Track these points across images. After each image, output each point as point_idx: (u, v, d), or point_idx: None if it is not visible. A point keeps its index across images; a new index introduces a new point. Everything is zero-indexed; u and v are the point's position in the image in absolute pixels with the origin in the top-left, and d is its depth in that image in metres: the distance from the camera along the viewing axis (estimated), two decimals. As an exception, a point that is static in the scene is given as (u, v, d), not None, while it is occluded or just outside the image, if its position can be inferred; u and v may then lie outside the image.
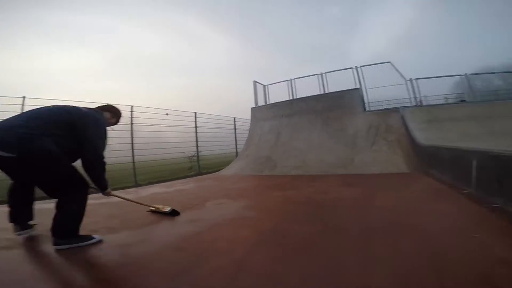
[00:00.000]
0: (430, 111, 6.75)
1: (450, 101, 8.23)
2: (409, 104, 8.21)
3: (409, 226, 1.85)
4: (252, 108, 9.46)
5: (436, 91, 9.61)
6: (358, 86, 8.60)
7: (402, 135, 6.21)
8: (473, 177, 2.60)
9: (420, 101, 7.89)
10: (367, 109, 8.46)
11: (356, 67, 9.59)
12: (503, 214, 1.90)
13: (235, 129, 10.50)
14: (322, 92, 9.39)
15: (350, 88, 8.33)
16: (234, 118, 10.63)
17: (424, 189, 3.25)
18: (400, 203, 2.62)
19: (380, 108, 8.20)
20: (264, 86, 10.66)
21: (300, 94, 9.94)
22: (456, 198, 2.62)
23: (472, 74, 9.11)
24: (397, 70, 9.00)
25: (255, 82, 10.25)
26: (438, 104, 7.55)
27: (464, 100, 7.71)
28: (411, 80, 8.85)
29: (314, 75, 10.23)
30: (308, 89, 10.19)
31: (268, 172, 6.57)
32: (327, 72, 10.16)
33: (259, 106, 9.45)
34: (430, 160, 4.40)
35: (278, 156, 7.08)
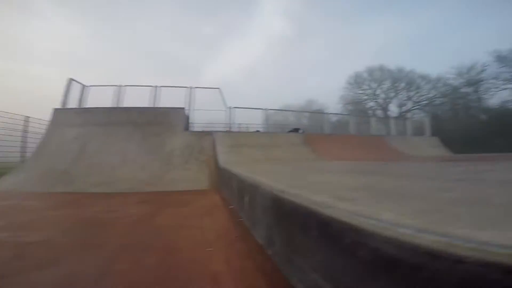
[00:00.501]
0: (235, 137, 8.30)
1: (251, 130, 10.49)
2: (223, 129, 9.74)
3: (166, 241, 2.06)
4: (55, 109, 7.63)
5: (251, 120, 12.06)
6: (184, 106, 9.20)
7: (211, 156, 7.17)
8: (234, 194, 3.24)
9: (230, 127, 9.52)
10: (191, 129, 9.18)
11: (190, 87, 10.27)
12: (241, 226, 2.38)
13: (26, 132, 7.99)
14: (151, 106, 9.21)
15: (177, 106, 8.70)
16: (28, 117, 8.11)
17: (206, 204, 3.76)
18: (176, 218, 2.89)
19: (202, 129, 9.19)
20: (84, 86, 9.01)
21: (127, 104, 9.21)
22: (222, 212, 3.13)
23: (271, 109, 12.25)
24: (222, 97, 10.51)
25: (70, 80, 8.45)
26: (240, 132, 9.42)
27: (258, 131, 10.10)
28: (230, 108, 10.62)
29: (148, 86, 9.92)
30: (139, 100, 9.69)
31: (61, 188, 5.43)
32: (162, 86, 10.19)
33: (66, 109, 7.79)
34: (222, 179, 5.34)
35: (79, 170, 6.05)
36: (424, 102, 26.53)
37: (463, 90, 24.03)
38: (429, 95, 26.38)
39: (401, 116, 24.04)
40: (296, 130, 10.79)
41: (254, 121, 11.69)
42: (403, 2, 40.63)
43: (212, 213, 3.13)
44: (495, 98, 22.11)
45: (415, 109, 26.96)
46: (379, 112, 28.34)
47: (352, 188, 1.48)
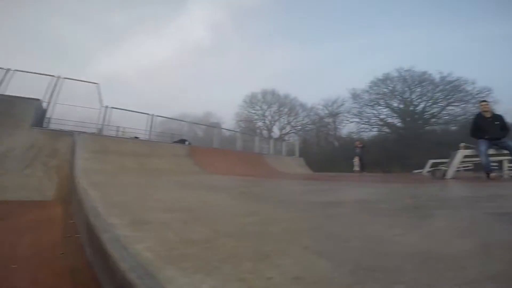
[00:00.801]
0: (103, 142, 7.23)
1: (129, 136, 9.47)
2: (93, 130, 8.34)
3: None
4: None
5: (137, 125, 10.76)
6: (44, 97, 7.34)
7: (65, 161, 5.92)
8: (75, 207, 2.78)
9: (99, 130, 8.30)
10: (46, 125, 7.35)
11: (58, 77, 8.26)
12: (76, 243, 2.04)
13: None
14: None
15: (29, 96, 6.81)
16: None
17: (38, 218, 3.10)
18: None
19: (65, 128, 7.52)
20: None
21: None
22: (57, 227, 2.60)
23: (158, 116, 11.42)
24: (99, 94, 9.00)
25: None
26: (113, 136, 8.35)
27: (137, 137, 9.25)
28: (107, 107, 9.20)
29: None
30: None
31: None
32: (16, 70, 7.72)
33: None
34: (73, 189, 4.46)
35: None
36: (298, 127, 32.09)
37: (326, 120, 30.73)
38: (303, 121, 32.15)
39: (280, 138, 28.04)
40: (182, 141, 10.56)
41: (138, 126, 10.60)
42: (303, 34, 48.58)
43: (40, 227, 2.65)
44: (346, 128, 29.42)
45: (291, 132, 32.14)
46: (265, 132, 32.01)
47: (178, 209, 1.54)
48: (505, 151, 4.90)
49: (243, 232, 1.02)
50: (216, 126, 15.41)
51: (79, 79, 8.86)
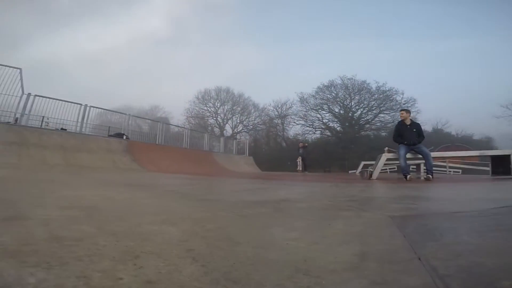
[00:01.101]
0: (21, 133, 6.13)
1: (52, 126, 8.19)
2: (9, 120, 6.97)
3: None
4: None
5: (68, 116, 9.22)
6: None
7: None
8: None
9: (17, 119, 7.01)
10: None
11: None
12: None
13: None
14: None
15: None
16: None
17: None
18: None
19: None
20: None
21: None
22: None
23: (92, 106, 10.09)
24: (21, 80, 7.51)
25: None
26: (34, 127, 7.16)
27: (65, 129, 8.11)
28: (29, 94, 7.76)
29: None
30: None
31: None
32: None
33: None
34: None
35: None
36: (250, 127, 32.50)
37: (276, 121, 31.76)
38: (255, 121, 32.66)
39: (232, 136, 28.00)
40: (120, 135, 9.61)
41: (68, 117, 9.18)
42: (261, 37, 49.00)
43: None
44: (292, 130, 30.84)
45: (243, 131, 32.39)
46: (217, 130, 31.55)
47: (76, 207, 1.31)
48: (420, 156, 5.68)
49: (131, 232, 0.90)
50: (161, 121, 14.48)
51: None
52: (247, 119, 32.83)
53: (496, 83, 38.15)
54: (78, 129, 8.82)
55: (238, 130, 32.48)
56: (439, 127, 28.85)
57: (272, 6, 47.76)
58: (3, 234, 0.80)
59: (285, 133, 31.41)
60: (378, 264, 0.63)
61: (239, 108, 32.83)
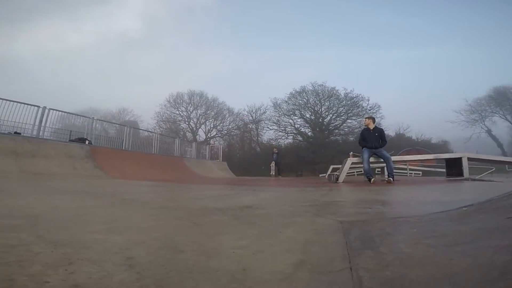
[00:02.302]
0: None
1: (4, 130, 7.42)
2: None
3: None
4: None
5: (24, 119, 8.33)
6: None
7: None
8: None
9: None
10: None
11: None
12: None
13: None
14: None
15: None
16: None
17: None
18: None
19: None
20: None
21: None
22: None
23: (51, 109, 9.29)
24: None
25: None
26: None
27: (19, 133, 7.41)
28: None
29: None
30: None
31: None
32: None
33: None
34: None
35: None
36: (224, 131, 32.26)
37: (250, 126, 31.87)
38: (229, 126, 32.48)
39: (205, 141, 27.58)
40: (82, 139, 8.99)
41: (24, 120, 8.33)
42: (236, 41, 49.03)
43: None
44: (266, 135, 31.14)
45: (217, 136, 32.05)
46: (189, 135, 30.87)
47: (18, 216, 1.19)
48: (381, 159, 6.05)
49: (72, 240, 0.86)
50: (129, 125, 13.81)
51: None
52: (221, 124, 32.59)
53: (451, 90, 42.40)
54: (35, 133, 8.07)
55: (212, 135, 32.09)
56: (401, 132, 31.04)
57: (248, 11, 48.47)
58: None
59: (259, 138, 31.67)
60: (310, 274, 0.65)
61: (213, 113, 32.50)
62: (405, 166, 14.16)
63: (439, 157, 7.95)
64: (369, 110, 28.19)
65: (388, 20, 42.97)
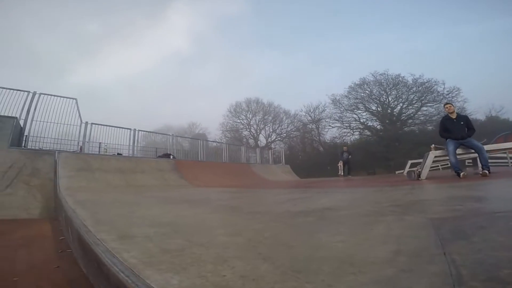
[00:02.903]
0: (86, 160, 7.15)
1: (110, 152, 9.32)
2: (74, 147, 8.19)
3: None
4: None
5: (117, 141, 10.53)
6: (19, 114, 7.17)
7: (48, 179, 5.83)
8: (63, 224, 2.92)
9: (81, 147, 8.17)
10: (24, 143, 7.19)
11: (34, 92, 8.07)
12: (68, 257, 2.11)
13: None
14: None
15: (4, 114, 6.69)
16: None
17: (27, 235, 3.15)
18: None
19: (42, 146, 7.35)
20: None
21: None
22: (48, 243, 2.71)
23: (140, 130, 11.23)
24: (78, 110, 8.82)
25: None
26: (95, 154, 8.26)
27: (120, 154, 9.16)
28: (86, 123, 9.02)
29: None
30: None
31: None
32: None
33: None
34: (59, 207, 4.43)
35: None
36: (284, 134, 32.55)
37: (310, 126, 31.25)
38: (288, 128, 32.63)
39: (266, 146, 28.32)
40: (167, 155, 10.53)
41: (120, 141, 10.37)
42: (283, 42, 49.67)
43: (32, 244, 2.74)
44: (328, 133, 29.97)
45: (277, 140, 32.53)
46: (251, 141, 32.23)
47: (158, 224, 1.65)
48: (472, 150, 5.26)
49: (213, 243, 1.16)
50: (200, 138, 15.44)
51: (56, 94, 8.68)
52: (279, 127, 32.98)
53: None
54: (130, 152, 9.91)
55: (272, 139, 32.75)
56: (493, 115, 25.64)
57: (287, 8, 47.94)
58: (128, 249, 1.11)
59: (321, 138, 30.75)
60: (409, 258, 0.79)
61: (270, 117, 33.17)
62: (504, 155, 11.70)
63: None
64: (447, 94, 24.25)
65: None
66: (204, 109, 49.72)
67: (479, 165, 5.49)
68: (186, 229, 1.49)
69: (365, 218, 1.54)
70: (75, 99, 8.84)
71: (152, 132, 13.80)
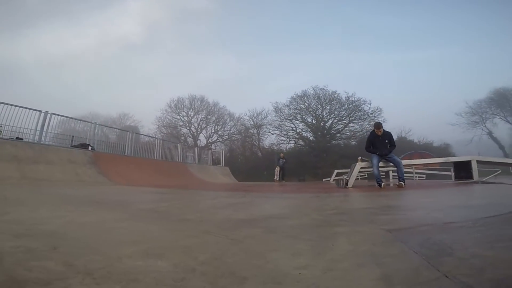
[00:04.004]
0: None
1: (6, 135, 7.30)
2: None
3: None
4: None
5: (24, 124, 8.24)
6: None
7: None
8: None
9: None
10: None
11: None
12: None
13: None
14: None
15: None
16: None
17: None
18: None
19: None
20: None
21: None
22: None
23: (53, 113, 9.14)
24: None
25: None
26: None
27: (20, 138, 7.30)
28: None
29: None
30: None
31: None
32: None
33: None
34: None
35: None
36: (226, 136, 32.12)
37: (251, 130, 31.69)
38: (230, 131, 32.34)
39: (206, 146, 27.44)
40: (84, 145, 8.89)
41: (26, 125, 8.20)
42: (238, 46, 49.13)
43: None
44: (268, 140, 30.94)
45: (218, 141, 31.90)
46: (190, 140, 30.74)
47: (33, 234, 1.07)
48: (391, 164, 5.93)
49: (111, 270, 0.73)
50: (131, 130, 13.72)
51: None
52: (222, 129, 32.46)
53: (451, 93, 42.60)
54: (36, 138, 7.96)
55: (213, 140, 31.95)
56: (403, 135, 30.94)
57: (249, 16, 48.76)
58: None
59: (260, 143, 31.52)
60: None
61: (214, 118, 32.37)
62: (411, 170, 14.11)
63: (449, 161, 7.86)
64: (371, 113, 28.08)
65: (389, 23, 43.19)
66: (141, 101, 45.26)
67: (391, 177, 6.24)
68: (74, 244, 0.99)
69: (318, 230, 1.33)
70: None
71: (69, 117, 11.45)
